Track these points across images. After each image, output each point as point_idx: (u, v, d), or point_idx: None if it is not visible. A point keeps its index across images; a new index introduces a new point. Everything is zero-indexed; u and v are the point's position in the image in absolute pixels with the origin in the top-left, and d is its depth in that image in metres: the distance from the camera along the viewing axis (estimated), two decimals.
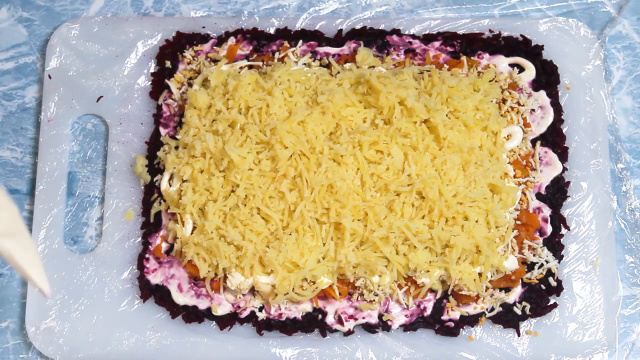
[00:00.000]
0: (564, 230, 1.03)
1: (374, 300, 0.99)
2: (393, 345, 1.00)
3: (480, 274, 0.97)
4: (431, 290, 1.00)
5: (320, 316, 1.00)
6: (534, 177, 1.03)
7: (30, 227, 1.07)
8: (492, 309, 1.00)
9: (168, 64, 1.10)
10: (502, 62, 1.09)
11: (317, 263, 0.96)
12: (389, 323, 1.00)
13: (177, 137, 1.05)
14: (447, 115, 1.00)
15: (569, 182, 1.05)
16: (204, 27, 1.13)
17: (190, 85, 1.08)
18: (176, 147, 1.04)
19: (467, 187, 0.96)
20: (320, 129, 0.98)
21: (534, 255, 1.00)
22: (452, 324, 1.00)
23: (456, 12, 1.16)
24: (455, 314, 1.00)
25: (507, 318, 1.00)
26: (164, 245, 1.03)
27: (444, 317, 1.00)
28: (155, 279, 1.02)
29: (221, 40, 1.11)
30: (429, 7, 1.16)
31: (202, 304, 1.01)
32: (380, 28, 1.12)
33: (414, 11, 1.16)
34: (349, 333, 1.00)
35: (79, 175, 1.10)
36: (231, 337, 1.01)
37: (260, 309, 1.01)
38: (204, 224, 0.97)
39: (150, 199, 1.05)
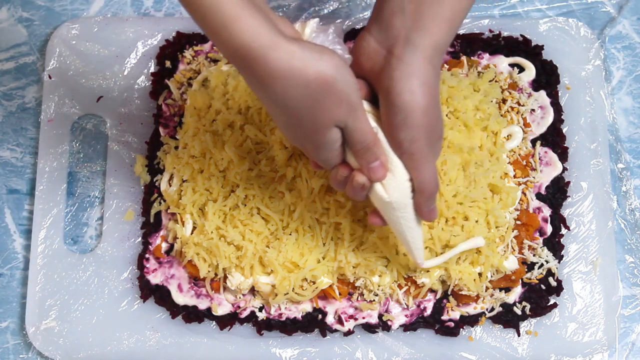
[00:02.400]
0: (564, 230, 1.03)
1: (374, 300, 0.99)
2: (393, 345, 1.00)
3: (480, 274, 0.97)
4: (431, 290, 1.00)
5: (320, 316, 1.00)
6: (534, 177, 1.03)
7: (30, 227, 1.07)
8: (492, 309, 1.00)
9: (168, 64, 1.10)
10: (502, 62, 1.09)
11: (317, 263, 0.96)
12: (389, 323, 1.00)
13: (177, 137, 1.05)
14: (447, 115, 1.00)
15: (569, 182, 1.05)
16: None
17: (190, 85, 1.08)
18: (176, 147, 1.04)
19: (467, 187, 0.96)
20: None
21: (534, 255, 1.01)
22: (452, 324, 1.00)
23: None
24: (455, 314, 1.00)
25: (507, 318, 1.00)
26: (164, 245, 1.03)
27: (444, 317, 1.00)
28: (155, 279, 1.02)
29: None
30: None
31: (202, 304, 1.01)
32: None
33: None
34: (349, 333, 1.00)
35: (79, 175, 1.10)
36: (231, 337, 1.01)
37: (260, 309, 1.01)
38: (204, 224, 0.97)
39: (150, 199, 1.05)
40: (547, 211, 1.03)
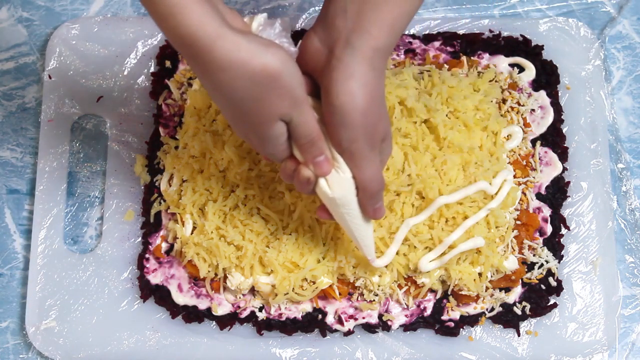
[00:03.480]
0: (564, 230, 1.03)
1: (374, 300, 0.99)
2: (393, 345, 1.00)
3: (480, 274, 0.97)
4: (431, 290, 1.00)
5: (320, 316, 1.00)
6: (534, 177, 1.03)
7: (30, 227, 1.07)
8: (492, 309, 1.00)
9: (168, 64, 1.10)
10: (502, 62, 1.09)
11: (317, 263, 0.96)
12: (389, 323, 1.00)
13: (177, 137, 1.05)
14: (447, 115, 1.00)
15: (569, 182, 1.05)
16: None
17: (190, 85, 1.08)
18: (176, 147, 1.04)
19: (467, 187, 0.96)
20: None
21: (534, 255, 1.01)
22: (452, 324, 1.00)
23: (456, 12, 1.16)
24: (455, 314, 1.00)
25: (507, 318, 1.00)
26: (164, 245, 1.03)
27: (444, 317, 1.00)
28: (155, 279, 1.02)
29: None
30: (429, 7, 1.16)
31: (202, 304, 1.01)
32: None
33: None
34: (349, 333, 1.00)
35: (79, 175, 1.10)
36: (231, 337, 1.01)
37: (260, 309, 1.01)
38: (204, 224, 0.97)
39: (150, 199, 1.05)
40: (547, 211, 1.03)
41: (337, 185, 0.81)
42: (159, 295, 1.02)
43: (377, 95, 0.76)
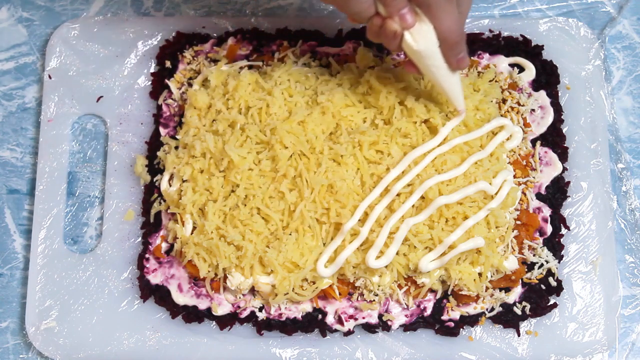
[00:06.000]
0: (564, 230, 1.03)
1: (374, 300, 0.99)
2: (393, 345, 1.00)
3: (480, 274, 0.97)
4: (431, 290, 1.00)
5: (320, 316, 1.00)
6: (534, 177, 1.03)
7: (30, 227, 1.07)
8: (492, 309, 1.00)
9: (168, 64, 1.10)
10: (502, 62, 1.09)
11: (317, 263, 0.96)
12: (389, 323, 1.00)
13: (177, 137, 1.05)
14: (447, 115, 1.00)
15: (569, 182, 1.05)
16: (204, 27, 1.13)
17: (190, 85, 1.08)
18: (176, 147, 1.04)
19: (467, 187, 0.96)
20: (320, 129, 0.98)
21: (534, 255, 1.01)
22: (452, 324, 1.00)
23: None
24: (455, 314, 1.00)
25: (507, 318, 1.00)
26: (164, 245, 1.03)
27: (444, 317, 1.00)
28: (155, 279, 1.02)
29: (221, 40, 1.11)
30: None
31: (202, 304, 1.01)
32: None
33: None
34: (349, 333, 1.00)
35: (79, 175, 1.10)
36: (231, 337, 1.01)
37: (260, 309, 1.01)
38: (204, 224, 0.97)
39: (150, 199, 1.05)
40: (547, 211, 1.03)
41: (421, 37, 0.85)
42: (159, 295, 1.02)
43: None
